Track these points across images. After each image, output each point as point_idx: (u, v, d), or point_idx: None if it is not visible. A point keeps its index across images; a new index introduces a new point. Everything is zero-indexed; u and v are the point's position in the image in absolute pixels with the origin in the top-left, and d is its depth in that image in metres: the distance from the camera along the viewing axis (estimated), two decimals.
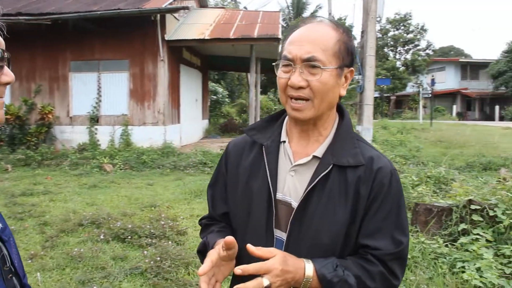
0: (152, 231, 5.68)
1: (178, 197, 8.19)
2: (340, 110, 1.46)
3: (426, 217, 5.48)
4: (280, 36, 13.43)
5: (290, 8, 44.22)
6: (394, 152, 13.14)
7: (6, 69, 1.04)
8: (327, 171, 1.30)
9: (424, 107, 38.58)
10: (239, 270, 1.15)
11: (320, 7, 44.62)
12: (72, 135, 14.20)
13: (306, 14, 43.32)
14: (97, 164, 11.71)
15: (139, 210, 7.12)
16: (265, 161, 1.40)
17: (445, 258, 4.45)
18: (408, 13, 44.47)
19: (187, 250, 5.15)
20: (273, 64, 1.36)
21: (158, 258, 4.62)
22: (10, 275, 1.09)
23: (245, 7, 44.12)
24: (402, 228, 1.32)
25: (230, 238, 1.22)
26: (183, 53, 15.80)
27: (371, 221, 1.29)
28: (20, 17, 12.60)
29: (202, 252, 1.43)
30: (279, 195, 1.37)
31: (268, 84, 38.61)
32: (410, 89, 43.92)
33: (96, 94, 14.02)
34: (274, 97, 28.99)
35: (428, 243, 4.74)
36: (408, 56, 44.02)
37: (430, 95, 32.52)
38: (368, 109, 9.96)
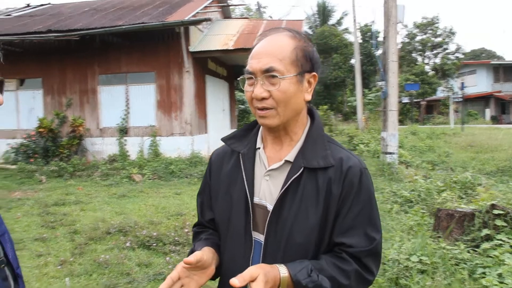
0: (176, 238, 5.82)
1: None
2: (311, 113, 1.53)
3: (448, 223, 5.45)
4: None
5: (316, 15, 44.26)
6: (422, 157, 13.00)
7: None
8: (298, 174, 1.37)
9: (456, 111, 37.93)
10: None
11: (346, 14, 44.58)
12: (103, 147, 14.55)
13: (332, 21, 43.30)
14: (127, 174, 11.97)
15: (166, 219, 7.28)
16: (242, 167, 1.48)
17: (466, 263, 4.42)
18: (435, 16, 43.94)
19: None
20: (238, 79, 1.44)
21: None
22: (3, 265, 1.20)
23: (270, 16, 44.43)
24: (374, 224, 1.39)
25: (189, 259, 1.28)
26: (209, 64, 16.03)
27: (344, 219, 1.36)
28: (50, 34, 13.06)
29: None
30: (256, 199, 1.45)
31: None
32: (440, 93, 43.24)
33: (124, 106, 14.35)
34: None
35: (449, 249, 4.71)
36: (437, 60, 43.44)
37: (461, 99, 31.95)
38: (392, 115, 9.93)
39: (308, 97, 1.43)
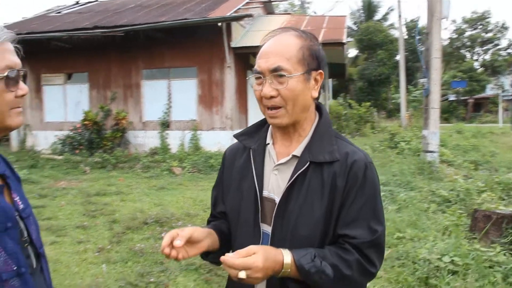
0: None
1: None
2: (319, 109, 1.57)
3: (484, 224, 5.32)
4: (344, 40, 13.38)
5: (361, 11, 43.66)
6: (465, 157, 12.65)
7: (21, 83, 1.27)
8: (304, 168, 1.42)
9: (506, 110, 36.67)
10: (225, 259, 1.25)
11: (392, 9, 43.75)
12: (145, 140, 14.90)
13: (377, 17, 42.60)
14: (167, 167, 12.25)
15: (202, 211, 7.41)
16: (252, 163, 1.54)
17: (501, 266, 4.31)
18: (487, 11, 42.55)
19: None
20: (247, 78, 1.49)
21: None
22: (26, 244, 1.29)
23: (314, 12, 44.13)
24: (378, 217, 1.42)
25: (176, 243, 1.35)
26: (251, 59, 16.10)
27: (348, 211, 1.39)
28: (97, 30, 13.48)
29: None
30: (265, 193, 1.50)
31: (339, 89, 38.34)
32: (490, 91, 41.84)
33: (166, 100, 14.64)
34: (344, 101, 28.72)
35: (484, 251, 4.60)
36: (487, 57, 42.06)
37: (511, 97, 30.86)
38: (434, 113, 9.72)
39: (315, 94, 1.47)
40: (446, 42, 43.67)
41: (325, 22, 15.79)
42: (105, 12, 16.36)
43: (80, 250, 5.48)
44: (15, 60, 1.25)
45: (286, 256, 1.31)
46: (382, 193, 7.34)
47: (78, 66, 15.48)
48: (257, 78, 1.45)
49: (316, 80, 1.46)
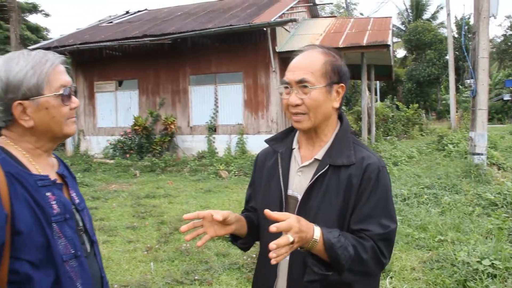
0: None
1: None
2: (341, 118, 1.72)
3: None
4: (389, 42, 13.27)
5: (409, 10, 42.82)
6: None
7: (73, 98, 1.52)
8: (324, 170, 1.58)
9: None
10: (273, 228, 1.33)
11: (441, 7, 42.53)
12: (192, 144, 15.28)
13: (426, 15, 41.63)
14: (214, 170, 12.51)
15: None
16: (279, 164, 1.72)
17: None
18: None
19: None
20: (276, 88, 1.65)
21: (254, 255, 5.00)
22: (81, 232, 1.55)
23: (361, 13, 43.68)
24: (389, 215, 1.56)
25: (216, 217, 1.52)
26: None
27: (362, 209, 1.54)
28: (145, 39, 13.98)
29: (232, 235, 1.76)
30: (289, 192, 1.67)
31: (388, 91, 37.75)
32: None
33: (213, 105, 14.95)
34: (391, 103, 28.25)
35: None
36: None
37: None
38: (481, 114, 9.50)
39: (336, 104, 1.64)
40: (500, 39, 42.17)
41: (370, 24, 15.70)
42: (154, 20, 16.90)
43: (130, 249, 5.76)
44: (67, 79, 1.50)
45: (316, 228, 1.44)
46: (425, 196, 7.29)
47: (129, 73, 16.07)
48: (285, 88, 1.62)
49: (337, 92, 1.63)
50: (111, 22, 18.70)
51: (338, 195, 1.55)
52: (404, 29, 41.19)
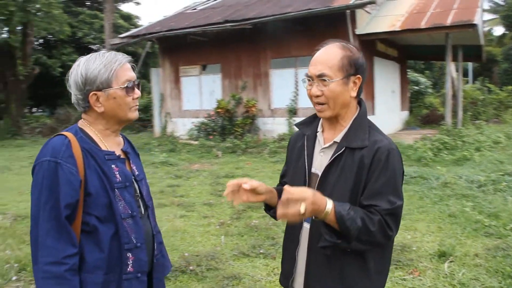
0: None
1: None
2: (360, 104, 1.92)
3: None
4: (476, 21, 12.63)
5: None
6: None
7: (136, 90, 1.88)
8: (341, 151, 1.80)
9: None
10: (284, 197, 1.58)
11: None
12: (273, 126, 15.60)
13: None
14: None
15: None
16: (305, 146, 1.96)
17: None
18: None
19: None
20: (302, 80, 1.86)
21: None
22: (138, 198, 1.92)
23: None
24: (397, 193, 1.75)
25: (245, 186, 1.79)
26: (377, 45, 15.96)
27: (373, 187, 1.73)
28: (227, 24, 14.43)
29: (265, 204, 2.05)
30: (313, 169, 1.91)
31: (482, 71, 35.66)
32: None
33: (294, 89, 15.13)
34: (482, 85, 26.76)
35: None
36: None
37: None
38: None
39: (354, 94, 1.84)
40: None
41: (457, 2, 15.00)
42: (235, 6, 17.30)
43: (204, 224, 6.22)
44: (131, 75, 1.87)
45: (329, 201, 1.67)
46: (504, 184, 7.09)
47: (212, 58, 16.65)
48: (308, 80, 1.85)
49: (354, 82, 1.83)
50: (195, 9, 19.38)
51: (352, 173, 1.76)
52: (502, 4, 38.58)
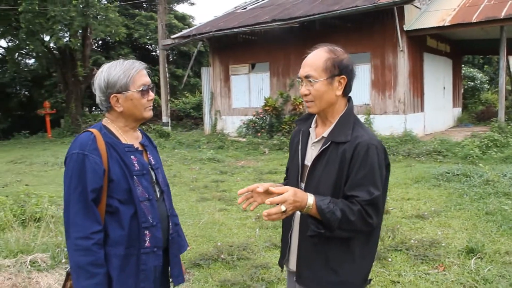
0: None
1: (399, 182, 8.58)
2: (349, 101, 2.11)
3: None
4: None
5: None
6: None
7: (150, 92, 2.18)
8: (326, 145, 2.00)
9: None
10: (268, 201, 1.84)
11: None
12: None
13: None
14: None
15: None
16: (300, 140, 2.17)
17: None
18: None
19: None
20: (296, 80, 2.10)
21: None
22: (154, 184, 2.22)
23: None
24: (375, 185, 1.91)
25: (258, 190, 1.95)
26: (428, 41, 15.72)
27: (353, 179, 1.92)
28: (275, 23, 14.66)
29: None
30: (306, 162, 2.11)
31: None
32: None
33: None
34: None
35: None
36: None
37: None
38: None
39: (339, 92, 2.02)
40: None
41: None
42: (283, 5, 17.48)
43: (242, 217, 6.50)
44: (147, 80, 2.18)
45: (310, 197, 1.88)
46: None
47: (260, 56, 16.95)
48: (299, 81, 2.07)
49: (339, 82, 2.01)
50: (245, 8, 19.73)
51: (335, 166, 1.95)
52: None
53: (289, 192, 1.84)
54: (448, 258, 4.67)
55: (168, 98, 20.88)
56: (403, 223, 5.94)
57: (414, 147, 12.25)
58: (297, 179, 2.12)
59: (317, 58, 2.02)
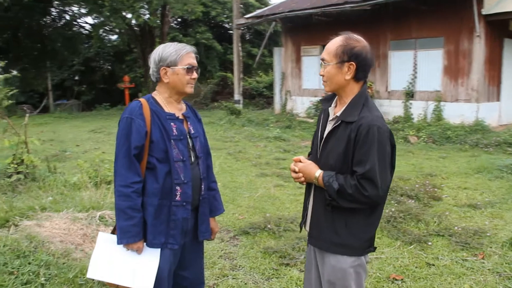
0: (407, 191, 6.54)
1: (460, 171, 8.53)
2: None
3: None
4: None
5: None
6: None
7: (194, 72, 2.57)
8: (337, 124, 2.31)
9: None
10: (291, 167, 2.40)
11: None
12: (389, 108, 15.58)
13: None
14: (403, 135, 12.84)
15: (415, 176, 7.97)
16: (321, 117, 2.51)
17: None
18: None
19: (429, 210, 5.90)
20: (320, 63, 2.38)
21: (393, 209, 5.59)
22: (190, 149, 2.61)
23: None
24: (371, 161, 2.18)
25: (294, 158, 2.44)
26: (510, 25, 15.03)
27: (356, 155, 2.22)
28: (346, 5, 14.63)
29: None
30: (325, 135, 2.41)
31: None
32: None
33: (411, 71, 14.96)
34: None
35: None
36: None
37: None
38: None
39: (348, 77, 2.28)
40: None
41: None
42: None
43: (297, 193, 6.88)
44: (193, 61, 2.58)
45: (318, 171, 2.31)
46: None
47: (331, 38, 16.87)
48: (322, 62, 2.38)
49: (349, 68, 2.28)
50: None
51: (343, 143, 2.25)
52: None
53: (302, 164, 2.36)
54: (490, 247, 4.73)
55: (241, 76, 21.40)
56: (453, 210, 6.02)
57: (484, 137, 11.92)
58: (317, 149, 2.46)
59: (332, 44, 2.31)
